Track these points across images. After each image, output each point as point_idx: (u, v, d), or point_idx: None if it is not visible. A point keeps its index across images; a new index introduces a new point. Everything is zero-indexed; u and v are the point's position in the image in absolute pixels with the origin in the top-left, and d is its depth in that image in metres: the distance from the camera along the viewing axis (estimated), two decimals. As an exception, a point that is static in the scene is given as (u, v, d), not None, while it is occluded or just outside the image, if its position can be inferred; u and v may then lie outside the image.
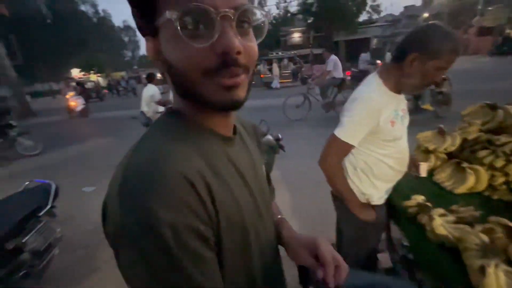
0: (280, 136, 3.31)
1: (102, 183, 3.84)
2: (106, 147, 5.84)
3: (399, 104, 1.11)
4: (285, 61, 14.90)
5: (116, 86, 21.06)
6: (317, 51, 18.23)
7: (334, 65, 5.77)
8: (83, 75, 28.69)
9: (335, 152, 1.08)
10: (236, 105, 0.40)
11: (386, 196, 1.24)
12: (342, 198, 1.18)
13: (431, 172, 1.44)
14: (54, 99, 18.72)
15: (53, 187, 1.91)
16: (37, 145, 5.57)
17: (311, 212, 2.56)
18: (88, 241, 2.52)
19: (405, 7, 27.80)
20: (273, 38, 23.29)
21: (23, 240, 1.68)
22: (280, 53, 16.30)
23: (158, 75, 4.62)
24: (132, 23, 0.43)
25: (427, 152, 1.53)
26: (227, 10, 0.35)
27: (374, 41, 20.87)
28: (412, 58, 0.94)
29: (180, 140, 0.39)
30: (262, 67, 14.47)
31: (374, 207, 1.21)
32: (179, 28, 0.34)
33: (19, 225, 1.66)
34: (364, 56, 8.85)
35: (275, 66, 13.35)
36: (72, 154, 5.64)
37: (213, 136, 0.44)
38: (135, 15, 0.40)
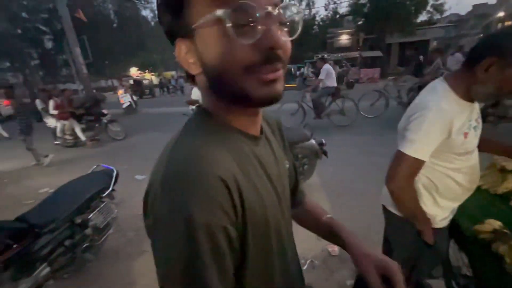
0: (323, 141, 3.20)
1: (152, 172, 4.18)
2: (156, 140, 6.33)
3: (472, 113, 0.98)
4: (331, 64, 14.45)
5: (167, 85, 22.78)
6: (367, 54, 17.25)
7: (327, 74, 5.71)
8: (140, 73, 31.64)
9: (406, 171, 0.97)
10: (276, 98, 0.40)
11: (451, 217, 1.11)
12: (413, 220, 1.07)
13: (508, 195, 1.24)
14: (114, 94, 21.05)
15: (115, 172, 2.13)
16: (122, 132, 6.60)
17: (352, 224, 2.42)
18: (137, 224, 2.76)
19: (474, 6, 24.69)
20: (319, 40, 22.70)
21: (89, 217, 1.92)
22: (326, 55, 15.80)
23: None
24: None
25: (503, 171, 1.33)
26: (270, 7, 0.36)
27: (434, 44, 18.94)
28: (489, 63, 0.83)
29: (215, 141, 0.41)
30: (306, 70, 14.17)
31: (434, 229, 1.09)
32: (228, 25, 0.35)
33: (86, 203, 1.90)
34: (458, 56, 7.71)
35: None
36: (126, 144, 6.25)
37: (242, 136, 0.45)
38: (165, 18, 0.41)
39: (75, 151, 5.99)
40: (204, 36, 0.38)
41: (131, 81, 21.14)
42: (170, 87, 22.45)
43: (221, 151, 0.40)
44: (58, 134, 6.18)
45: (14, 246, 1.46)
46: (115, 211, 2.26)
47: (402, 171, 0.97)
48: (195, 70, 0.41)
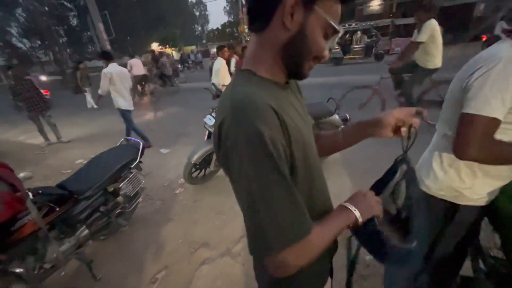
0: (348, 116, 3.07)
1: (176, 147, 4.33)
2: (178, 115, 6.49)
3: None
4: (358, 34, 13.31)
5: (187, 60, 22.66)
6: (401, 21, 15.63)
7: (132, 66, 8.07)
8: (161, 49, 31.73)
9: (481, 136, 0.84)
10: (303, 79, 0.61)
11: (488, 199, 1.03)
12: None
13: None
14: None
15: (141, 145, 2.23)
16: None
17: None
18: (163, 195, 2.93)
19: (535, -41, 20.90)
20: (347, 8, 20.89)
21: (120, 186, 2.05)
22: (353, 24, 14.46)
23: (226, 49, 4.70)
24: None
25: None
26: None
27: (481, 7, 16.64)
28: None
29: (260, 88, 0.54)
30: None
31: (464, 207, 1.03)
32: (329, 31, 0.56)
33: (117, 173, 2.02)
34: (502, 24, 6.90)
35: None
36: (151, 119, 6.47)
37: (276, 86, 0.59)
38: None
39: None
40: (316, 20, 0.53)
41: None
42: (190, 62, 22.29)
43: (265, 93, 0.53)
44: None
45: (57, 209, 1.61)
46: (143, 181, 2.39)
47: (477, 137, 0.84)
48: (290, 25, 0.52)
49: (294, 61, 0.56)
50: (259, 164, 0.46)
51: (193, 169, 2.85)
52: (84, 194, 1.76)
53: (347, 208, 0.61)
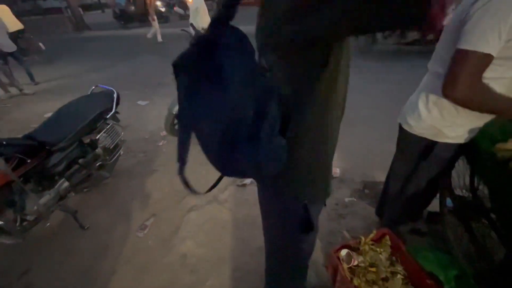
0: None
1: (154, 98, 4.08)
2: (154, 65, 5.98)
3: None
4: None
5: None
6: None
7: None
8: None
9: (475, 72, 0.81)
10: None
11: (467, 136, 1.05)
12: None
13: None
14: (103, 13, 18.83)
15: (116, 93, 2.04)
16: None
17: (354, 147, 2.45)
18: (145, 147, 2.85)
19: None
20: None
21: (97, 137, 1.93)
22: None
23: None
24: None
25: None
26: None
27: None
28: None
29: None
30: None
31: (442, 144, 1.07)
32: None
33: (92, 123, 1.87)
34: None
35: None
36: (125, 70, 5.93)
37: None
38: None
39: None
40: None
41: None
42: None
43: None
44: None
45: (28, 161, 1.50)
46: (122, 133, 2.26)
47: (468, 74, 0.80)
48: None
49: None
50: None
51: (175, 121, 2.73)
52: (56, 146, 1.63)
53: None
